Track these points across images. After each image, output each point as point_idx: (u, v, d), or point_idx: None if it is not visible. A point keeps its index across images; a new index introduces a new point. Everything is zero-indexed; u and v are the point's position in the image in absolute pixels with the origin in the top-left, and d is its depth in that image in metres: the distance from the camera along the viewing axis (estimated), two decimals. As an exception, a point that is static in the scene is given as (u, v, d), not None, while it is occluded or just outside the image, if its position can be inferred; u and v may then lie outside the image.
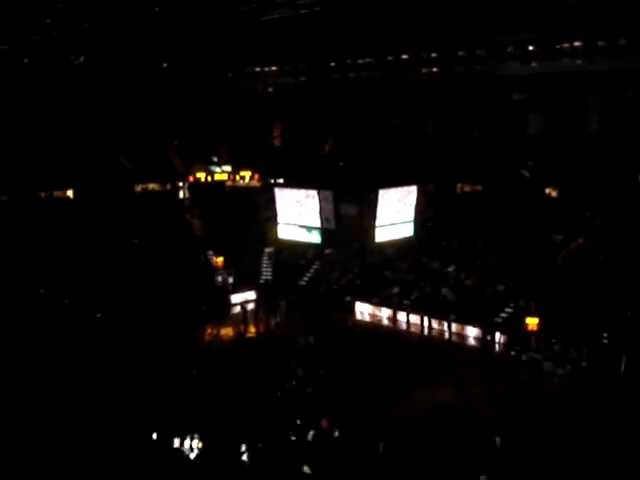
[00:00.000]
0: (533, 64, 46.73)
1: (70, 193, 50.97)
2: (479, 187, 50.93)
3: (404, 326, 41.61)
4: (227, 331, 40.80)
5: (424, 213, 36.36)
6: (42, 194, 49.61)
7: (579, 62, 44.53)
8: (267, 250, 51.39)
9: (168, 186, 56.67)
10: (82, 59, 44.53)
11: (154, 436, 22.49)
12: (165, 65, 57.44)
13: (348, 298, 44.59)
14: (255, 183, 58.23)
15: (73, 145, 50.40)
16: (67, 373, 29.72)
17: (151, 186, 55.63)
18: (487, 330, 38.08)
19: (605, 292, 36.61)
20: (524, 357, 35.19)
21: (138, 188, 54.57)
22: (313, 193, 32.22)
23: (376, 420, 25.52)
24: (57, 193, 50.61)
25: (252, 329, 40.73)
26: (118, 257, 45.22)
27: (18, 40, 38.80)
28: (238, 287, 47.17)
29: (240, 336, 38.41)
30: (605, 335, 33.92)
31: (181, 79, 55.26)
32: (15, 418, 23.79)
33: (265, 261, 51.24)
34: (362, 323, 42.76)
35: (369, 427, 24.48)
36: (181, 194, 56.92)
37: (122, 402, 26.18)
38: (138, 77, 53.96)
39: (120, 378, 29.13)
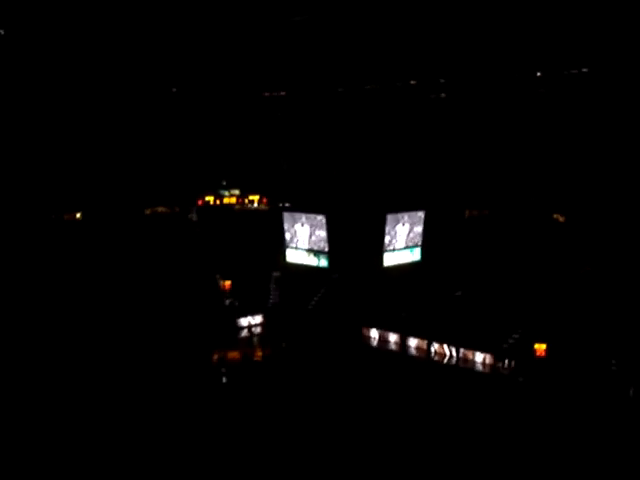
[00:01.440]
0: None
1: (79, 215, 51.25)
2: (486, 212, 51.06)
3: (412, 351, 41.41)
4: (234, 354, 40.72)
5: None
6: (52, 216, 49.92)
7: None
8: (275, 274, 51.35)
9: (177, 209, 56.90)
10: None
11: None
12: (174, 90, 58.19)
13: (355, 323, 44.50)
14: (263, 207, 58.44)
15: (84, 168, 50.83)
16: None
17: (160, 209, 55.87)
18: (496, 356, 37.84)
19: (613, 318, 36.56)
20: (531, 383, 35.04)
21: (147, 211, 54.82)
22: (321, 217, 32.44)
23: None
24: (67, 216, 50.90)
25: (259, 352, 40.67)
26: (124, 280, 45.37)
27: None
28: (245, 310, 47.10)
29: (246, 359, 38.33)
30: (613, 362, 33.82)
31: (192, 103, 55.81)
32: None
33: (272, 285, 51.17)
34: (370, 347, 42.61)
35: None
36: (190, 217, 57.13)
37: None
38: (150, 100, 54.57)
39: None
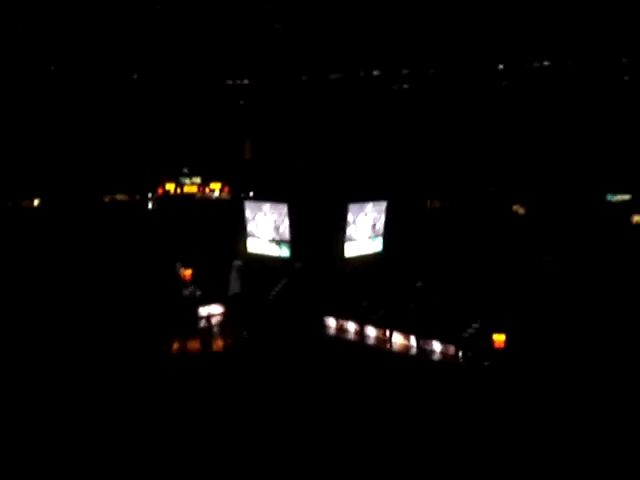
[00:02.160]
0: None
1: (37, 203, 50.42)
2: (447, 203, 51.38)
3: (372, 341, 41.47)
4: (194, 344, 40.43)
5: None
6: (9, 203, 49.03)
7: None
8: (236, 263, 51.04)
9: (137, 197, 56.24)
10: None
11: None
12: (135, 76, 57.47)
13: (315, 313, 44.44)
14: (225, 195, 58.04)
15: (42, 155, 49.98)
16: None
17: (119, 197, 55.17)
18: (454, 345, 38.06)
19: (572, 309, 37.01)
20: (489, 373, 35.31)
21: (106, 199, 54.10)
22: (282, 207, 32.30)
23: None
24: (25, 202, 50.06)
25: (220, 342, 40.41)
26: (83, 267, 44.76)
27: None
28: (206, 300, 46.75)
29: (206, 349, 38.06)
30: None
31: (153, 91, 55.21)
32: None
33: (234, 274, 50.86)
34: (331, 337, 42.61)
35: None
36: (150, 205, 56.50)
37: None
38: (110, 87, 53.85)
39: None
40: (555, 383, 32.31)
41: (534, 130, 49.30)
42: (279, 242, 33.16)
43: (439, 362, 37.80)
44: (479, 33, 44.17)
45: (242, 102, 61.03)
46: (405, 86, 52.57)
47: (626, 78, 43.39)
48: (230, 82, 61.45)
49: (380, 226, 33.92)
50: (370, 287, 45.38)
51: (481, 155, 51.13)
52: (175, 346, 39.42)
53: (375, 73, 53.74)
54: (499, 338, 35.74)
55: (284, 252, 33.62)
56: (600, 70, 44.95)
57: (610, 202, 44.08)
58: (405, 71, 52.31)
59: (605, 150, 46.19)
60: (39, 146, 50.16)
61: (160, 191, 56.17)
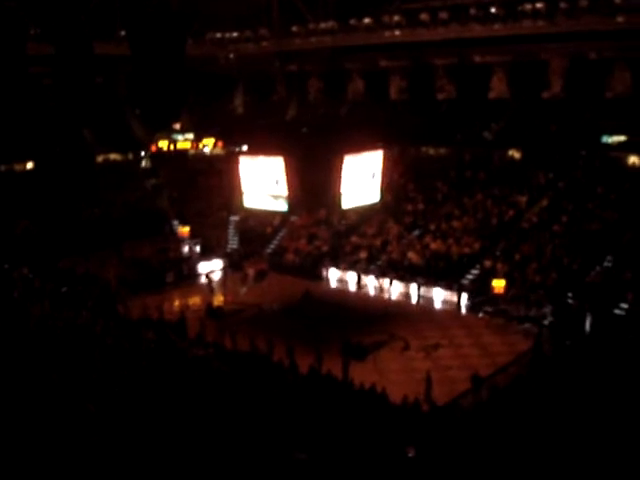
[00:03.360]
0: (495, 26, 46.90)
1: (30, 166, 50.04)
2: (443, 150, 51.11)
3: (372, 291, 41.71)
4: (194, 300, 40.59)
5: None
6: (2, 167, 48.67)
7: (541, 23, 44.79)
8: (233, 218, 51.10)
9: (130, 156, 55.88)
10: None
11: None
12: (123, 33, 56.69)
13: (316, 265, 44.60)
14: (219, 151, 57.71)
15: (32, 117, 49.47)
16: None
17: (112, 156, 54.82)
18: (454, 292, 38.28)
19: (569, 252, 37.11)
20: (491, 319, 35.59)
21: (99, 159, 53.74)
22: (277, 160, 32.06)
23: (347, 386, 25.68)
24: (17, 166, 49.66)
25: (220, 298, 40.53)
26: (80, 229, 44.65)
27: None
28: (204, 256, 46.84)
29: (208, 305, 38.15)
30: (569, 295, 34.42)
31: (140, 46, 54.45)
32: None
33: (231, 230, 50.96)
34: (330, 289, 42.82)
35: (341, 395, 24.59)
36: (143, 164, 56.17)
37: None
38: (95, 44, 53.10)
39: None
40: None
41: (526, 74, 48.88)
42: (276, 196, 32.95)
43: (439, 309, 38.16)
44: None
45: (231, 55, 60.32)
46: (397, 33, 51.82)
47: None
48: (219, 35, 60.79)
49: (377, 176, 33.71)
50: (368, 237, 45.55)
51: (476, 100, 50.74)
52: (177, 302, 39.61)
53: (366, 21, 52.99)
54: (499, 284, 35.93)
55: (281, 206, 33.42)
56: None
57: (606, 144, 43.91)
58: (396, 18, 51.67)
59: (599, 91, 45.89)
60: (30, 108, 49.63)
61: (153, 149, 55.77)
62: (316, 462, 19.00)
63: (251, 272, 43.51)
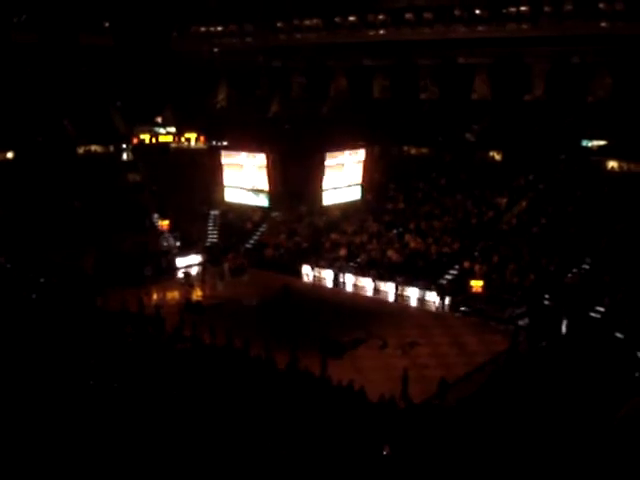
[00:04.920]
0: (479, 28, 47.09)
1: (10, 155, 49.59)
2: (425, 150, 51.26)
3: (350, 288, 41.79)
4: (173, 294, 40.51)
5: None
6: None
7: (525, 27, 45.04)
8: (213, 213, 51.01)
9: (111, 148, 55.53)
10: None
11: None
12: (107, 24, 56.38)
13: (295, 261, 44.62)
14: (201, 145, 57.54)
15: (13, 107, 49.05)
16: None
17: (94, 148, 54.45)
18: (437, 292, 38.43)
19: (547, 254, 37.39)
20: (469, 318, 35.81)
21: (80, 150, 53.36)
22: (259, 156, 32.07)
23: (324, 383, 25.72)
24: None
25: (198, 292, 40.49)
26: (59, 220, 44.31)
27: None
28: (184, 250, 46.71)
29: (187, 299, 38.08)
30: (546, 297, 34.70)
31: (124, 38, 54.22)
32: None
33: (211, 224, 50.86)
34: (308, 286, 42.85)
35: (319, 392, 24.64)
36: (124, 156, 55.83)
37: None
38: (78, 36, 52.78)
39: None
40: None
41: (510, 77, 49.15)
42: (257, 191, 32.95)
43: (417, 308, 38.30)
44: None
45: (215, 50, 60.16)
46: (382, 32, 51.94)
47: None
48: (203, 29, 60.60)
49: (358, 174, 33.81)
50: (348, 235, 45.64)
51: (458, 101, 50.97)
52: (155, 296, 39.47)
53: (351, 19, 53.09)
54: (477, 284, 36.18)
55: (262, 201, 33.44)
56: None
57: (586, 147, 44.31)
58: (381, 17, 51.76)
59: (580, 95, 46.25)
60: (11, 98, 49.21)
61: (135, 141, 55.50)
62: (293, 457, 19.08)
63: (227, 267, 43.52)
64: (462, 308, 36.76)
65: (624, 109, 43.50)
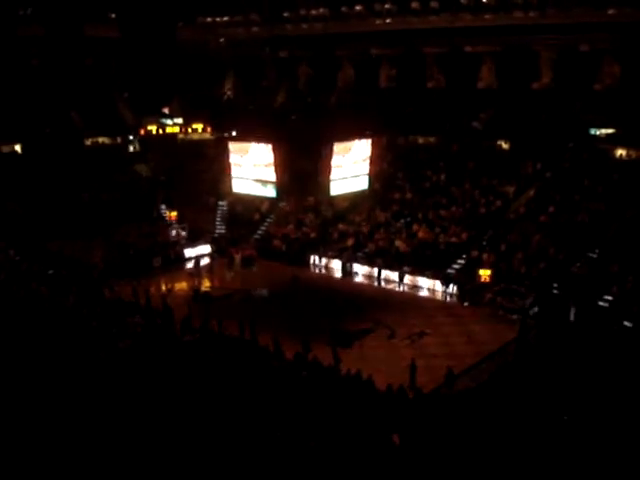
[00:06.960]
0: (486, 16, 46.84)
1: (18, 148, 49.76)
2: (432, 139, 51.18)
3: (358, 278, 41.81)
4: (181, 285, 40.59)
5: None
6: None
7: (532, 15, 44.73)
8: (221, 204, 51.08)
9: (119, 139, 55.61)
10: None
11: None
12: (113, 16, 56.29)
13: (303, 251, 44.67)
14: (208, 136, 57.56)
15: (21, 100, 49.11)
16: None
17: (101, 140, 54.55)
18: (441, 281, 38.46)
19: (556, 243, 37.31)
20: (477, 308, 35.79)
21: (88, 142, 53.45)
22: (267, 146, 32.03)
23: (332, 372, 25.79)
24: (5, 148, 49.32)
25: (207, 283, 40.58)
26: (67, 212, 44.45)
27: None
28: (192, 241, 46.80)
29: (195, 290, 38.16)
30: (555, 285, 34.63)
31: (130, 29, 54.12)
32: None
33: (219, 215, 50.93)
34: (317, 276, 42.89)
35: (327, 381, 24.70)
36: (132, 147, 55.92)
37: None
38: (84, 28, 52.72)
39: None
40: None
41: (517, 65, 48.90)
42: (264, 182, 32.93)
43: (425, 297, 38.31)
44: None
45: (222, 40, 60.09)
46: (388, 21, 51.72)
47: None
48: (209, 20, 60.42)
49: (366, 163, 33.76)
50: (355, 225, 45.63)
51: (466, 90, 50.77)
52: (164, 287, 39.54)
53: (357, 8, 52.93)
54: (485, 273, 36.17)
55: (269, 192, 33.43)
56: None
57: (594, 135, 44.16)
58: (388, 6, 51.58)
59: (588, 83, 46.02)
60: (19, 91, 49.26)
61: (142, 133, 55.55)
62: (302, 447, 19.15)
63: (238, 257, 43.58)
64: (471, 297, 36.70)
65: (632, 97, 43.20)
